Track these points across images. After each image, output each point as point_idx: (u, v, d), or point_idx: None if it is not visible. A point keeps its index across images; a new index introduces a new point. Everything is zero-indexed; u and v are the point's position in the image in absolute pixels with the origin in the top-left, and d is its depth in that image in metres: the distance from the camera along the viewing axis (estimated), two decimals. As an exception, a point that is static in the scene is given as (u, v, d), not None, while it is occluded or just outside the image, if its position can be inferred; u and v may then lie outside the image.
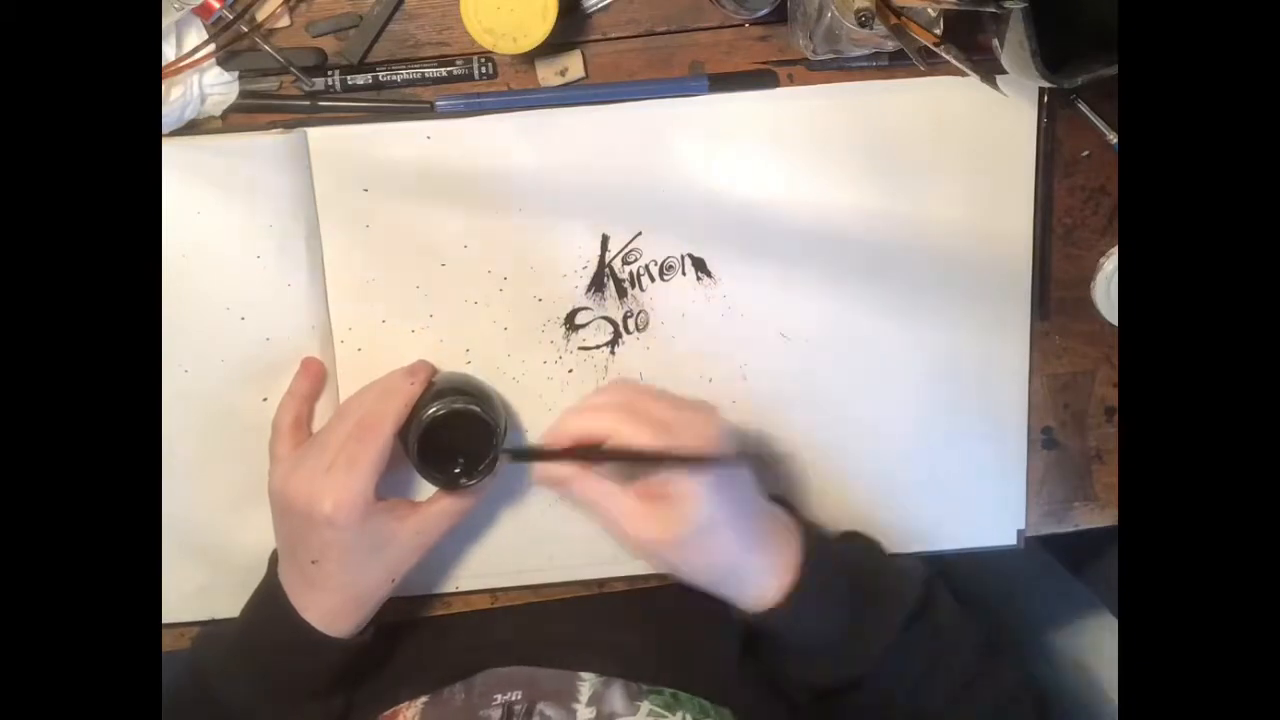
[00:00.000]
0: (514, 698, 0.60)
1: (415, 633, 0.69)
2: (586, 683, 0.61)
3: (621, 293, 0.67)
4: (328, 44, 0.63)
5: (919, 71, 0.61)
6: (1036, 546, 0.83)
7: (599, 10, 0.64)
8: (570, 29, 0.63)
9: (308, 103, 0.63)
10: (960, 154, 0.66)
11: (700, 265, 0.67)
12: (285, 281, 0.65)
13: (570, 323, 0.67)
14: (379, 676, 0.67)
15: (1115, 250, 0.68)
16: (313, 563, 0.60)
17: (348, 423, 0.62)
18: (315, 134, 0.63)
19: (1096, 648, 0.83)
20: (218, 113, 0.63)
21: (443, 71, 0.64)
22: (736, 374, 0.68)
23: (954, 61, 0.56)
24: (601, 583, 0.71)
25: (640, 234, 0.66)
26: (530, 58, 0.63)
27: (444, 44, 0.64)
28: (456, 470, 0.61)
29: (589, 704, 0.59)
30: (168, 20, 0.60)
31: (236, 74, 0.63)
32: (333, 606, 0.61)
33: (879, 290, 0.68)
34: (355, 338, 0.66)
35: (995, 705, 0.63)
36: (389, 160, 0.64)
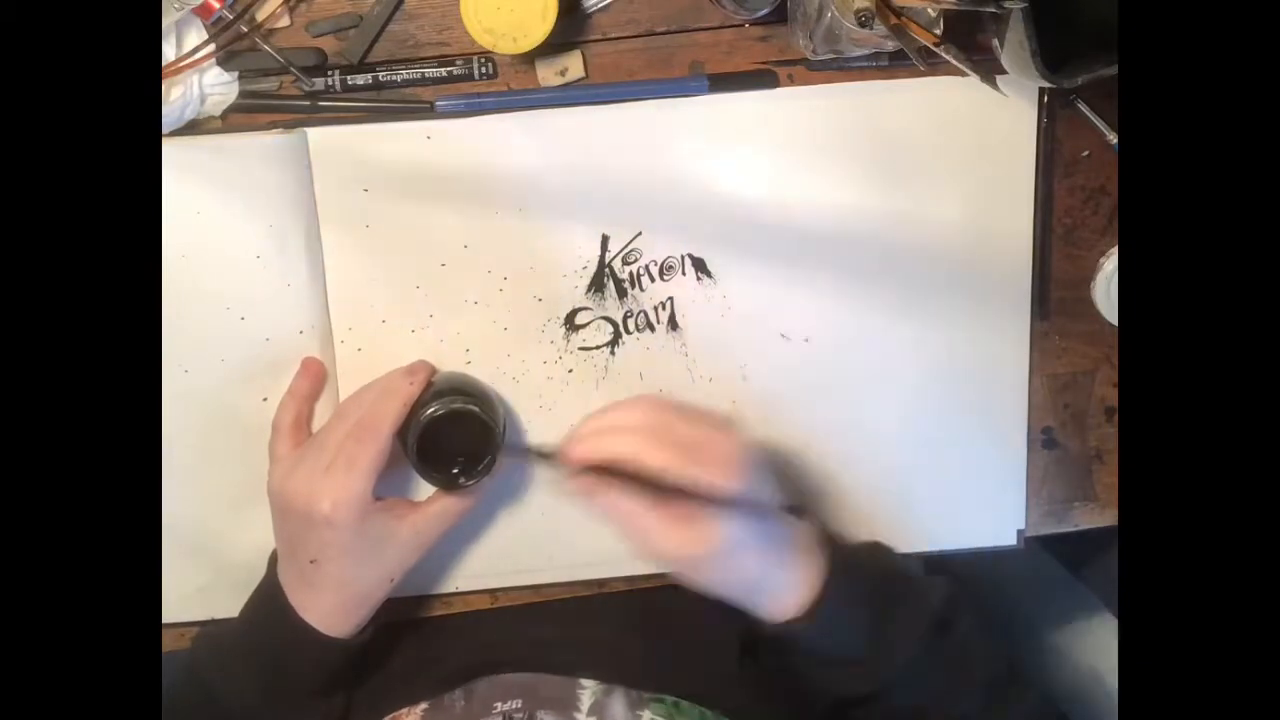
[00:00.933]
0: (514, 706, 0.60)
1: (415, 633, 0.69)
2: (587, 690, 0.61)
3: (621, 293, 0.67)
4: (328, 44, 0.63)
5: (919, 71, 0.61)
6: (1036, 546, 0.83)
7: (599, 10, 0.64)
8: (570, 29, 0.63)
9: (308, 103, 0.63)
10: (960, 154, 0.66)
11: (700, 265, 0.67)
12: (285, 281, 0.65)
13: (570, 323, 0.67)
14: (379, 677, 0.67)
15: (1115, 250, 0.68)
16: (311, 563, 0.60)
17: (347, 423, 0.62)
18: (315, 134, 0.63)
19: (1096, 648, 0.83)
20: (218, 113, 0.63)
21: (443, 71, 0.64)
22: (736, 374, 0.68)
23: (954, 61, 0.56)
24: (601, 583, 0.71)
25: (640, 234, 0.66)
26: (530, 58, 0.63)
27: (444, 44, 0.64)
28: (455, 470, 0.61)
29: (589, 713, 0.59)
30: (168, 20, 0.60)
31: (236, 74, 0.63)
32: (332, 606, 0.61)
33: (879, 290, 0.68)
34: (355, 338, 0.66)
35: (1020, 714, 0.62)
36: (389, 160, 0.64)
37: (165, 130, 0.62)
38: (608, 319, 0.67)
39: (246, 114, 0.64)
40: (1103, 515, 0.73)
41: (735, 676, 0.65)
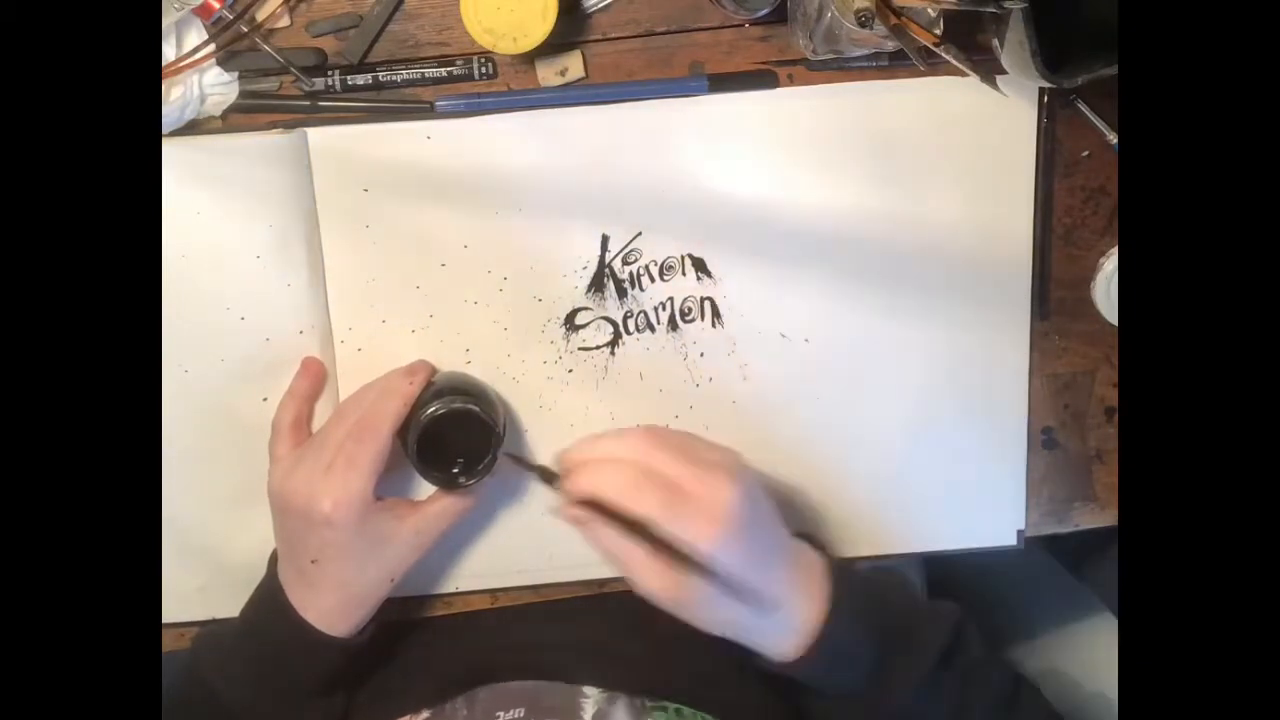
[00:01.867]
0: (516, 715, 0.60)
1: (416, 634, 0.69)
2: (590, 699, 0.61)
3: (621, 293, 0.67)
4: (328, 44, 0.63)
5: (919, 71, 0.61)
6: (1036, 546, 0.83)
7: (599, 10, 0.64)
8: (570, 29, 0.63)
9: (308, 103, 0.63)
10: (960, 154, 0.66)
11: (700, 265, 0.67)
12: (285, 281, 0.65)
13: (570, 323, 0.67)
14: (380, 679, 0.67)
15: (1115, 250, 0.68)
16: (312, 562, 0.60)
17: (346, 423, 0.62)
18: (315, 134, 0.63)
19: (1096, 648, 0.83)
20: (218, 113, 0.63)
21: (443, 71, 0.64)
22: (736, 374, 0.68)
23: (954, 61, 0.56)
24: (602, 583, 0.71)
25: (640, 234, 0.66)
26: (530, 58, 0.63)
27: (444, 44, 0.64)
28: (455, 470, 0.61)
29: None
30: (168, 20, 0.60)
31: (236, 74, 0.63)
32: (332, 606, 0.61)
33: (879, 290, 0.68)
34: (355, 338, 0.66)
35: None
36: (389, 160, 0.64)
37: (165, 130, 0.62)
38: (608, 319, 0.67)
39: (246, 114, 0.64)
40: (1103, 515, 0.73)
41: (736, 678, 0.65)
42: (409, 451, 0.61)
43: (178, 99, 0.61)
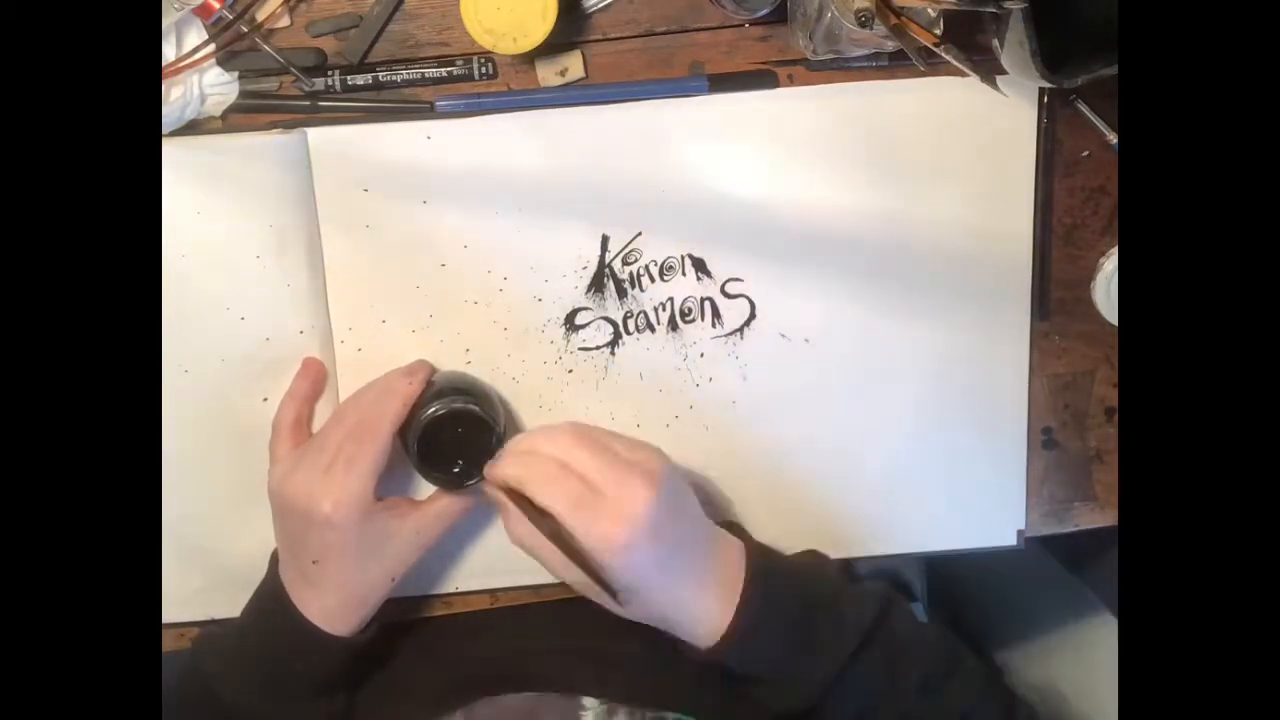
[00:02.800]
0: None
1: (416, 636, 0.69)
2: (589, 711, 0.61)
3: (621, 293, 0.67)
4: (328, 44, 0.63)
5: (919, 71, 0.61)
6: (1036, 546, 0.83)
7: (599, 10, 0.64)
8: (570, 29, 0.63)
9: (308, 103, 0.63)
10: (960, 154, 0.66)
11: (700, 265, 0.67)
12: (285, 281, 0.65)
13: (570, 323, 0.67)
14: (381, 679, 0.67)
15: (1115, 250, 0.68)
16: (313, 562, 0.60)
17: (346, 423, 0.62)
18: (315, 134, 0.63)
19: (1096, 648, 0.83)
20: (218, 113, 0.63)
21: (443, 71, 0.64)
22: (736, 374, 0.68)
23: (954, 61, 0.56)
24: (601, 583, 0.71)
25: (640, 234, 0.66)
26: (530, 58, 0.63)
27: (444, 44, 0.64)
28: (456, 470, 0.61)
29: None
30: (168, 20, 0.60)
31: (236, 74, 0.63)
32: (333, 605, 0.61)
33: (879, 290, 0.68)
34: (355, 338, 0.66)
35: (953, 713, 0.62)
36: (389, 160, 0.64)
37: (165, 130, 0.62)
38: (608, 319, 0.67)
39: (246, 114, 0.64)
40: (1103, 515, 0.73)
41: (730, 681, 0.65)
42: (409, 452, 0.61)
43: (178, 99, 0.61)
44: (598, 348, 0.68)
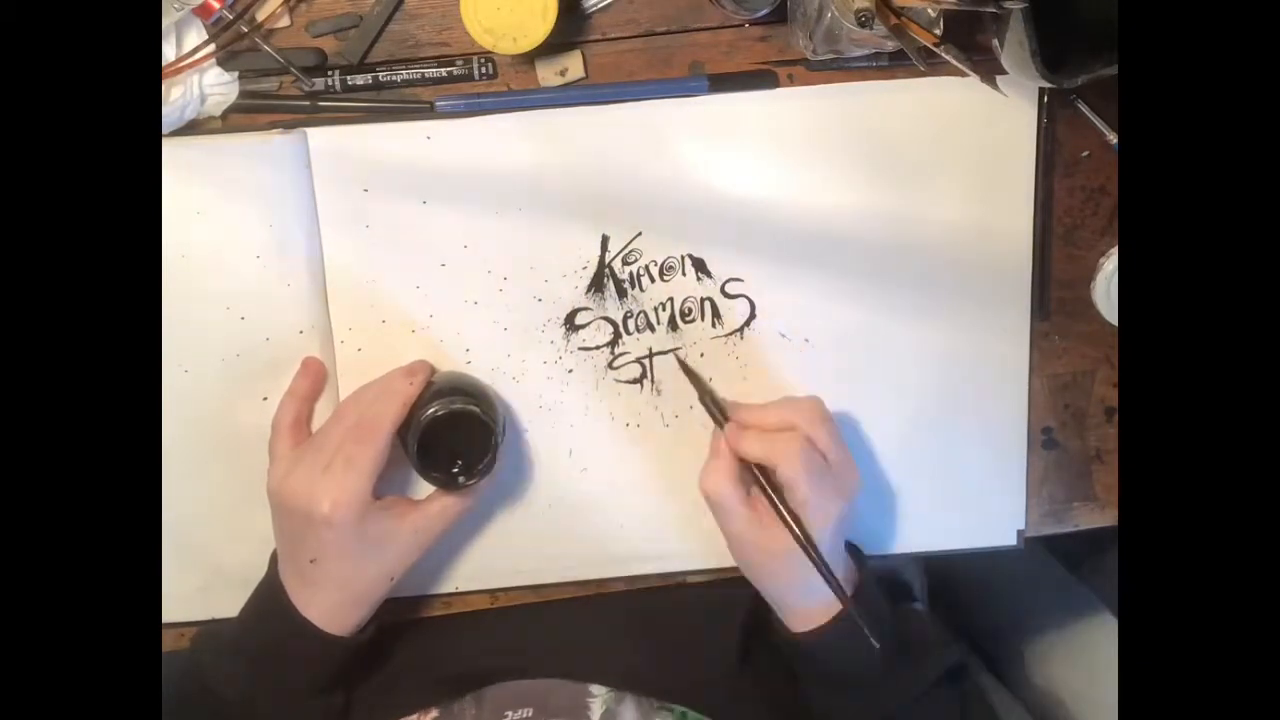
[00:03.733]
0: (525, 714, 0.60)
1: (416, 634, 0.69)
2: (598, 699, 0.62)
3: (621, 293, 0.67)
4: (328, 44, 0.63)
5: (919, 71, 0.61)
6: (1036, 546, 0.83)
7: (599, 10, 0.64)
8: (570, 29, 0.63)
9: (308, 103, 0.63)
10: (960, 154, 0.66)
11: (700, 265, 0.67)
12: (285, 281, 0.65)
13: (570, 323, 0.67)
14: (381, 678, 0.67)
15: (1115, 250, 0.68)
16: (311, 562, 0.60)
17: (346, 422, 0.62)
18: (315, 134, 0.63)
19: (1096, 648, 0.83)
20: (218, 113, 0.63)
21: (443, 71, 0.64)
22: (737, 374, 0.68)
23: (954, 62, 0.56)
24: (601, 583, 0.71)
25: (640, 234, 0.66)
26: (530, 58, 0.63)
27: (444, 44, 0.64)
28: (455, 470, 0.61)
29: None
30: (168, 20, 0.60)
31: (236, 74, 0.63)
32: (332, 605, 0.61)
33: (879, 290, 0.68)
34: (355, 338, 0.66)
35: None
36: (389, 160, 0.64)
37: (165, 130, 0.62)
38: (608, 319, 0.67)
39: (246, 114, 0.64)
40: (1103, 515, 0.73)
41: (734, 681, 0.65)
42: (409, 452, 0.61)
43: (178, 99, 0.61)
44: (597, 348, 0.68)
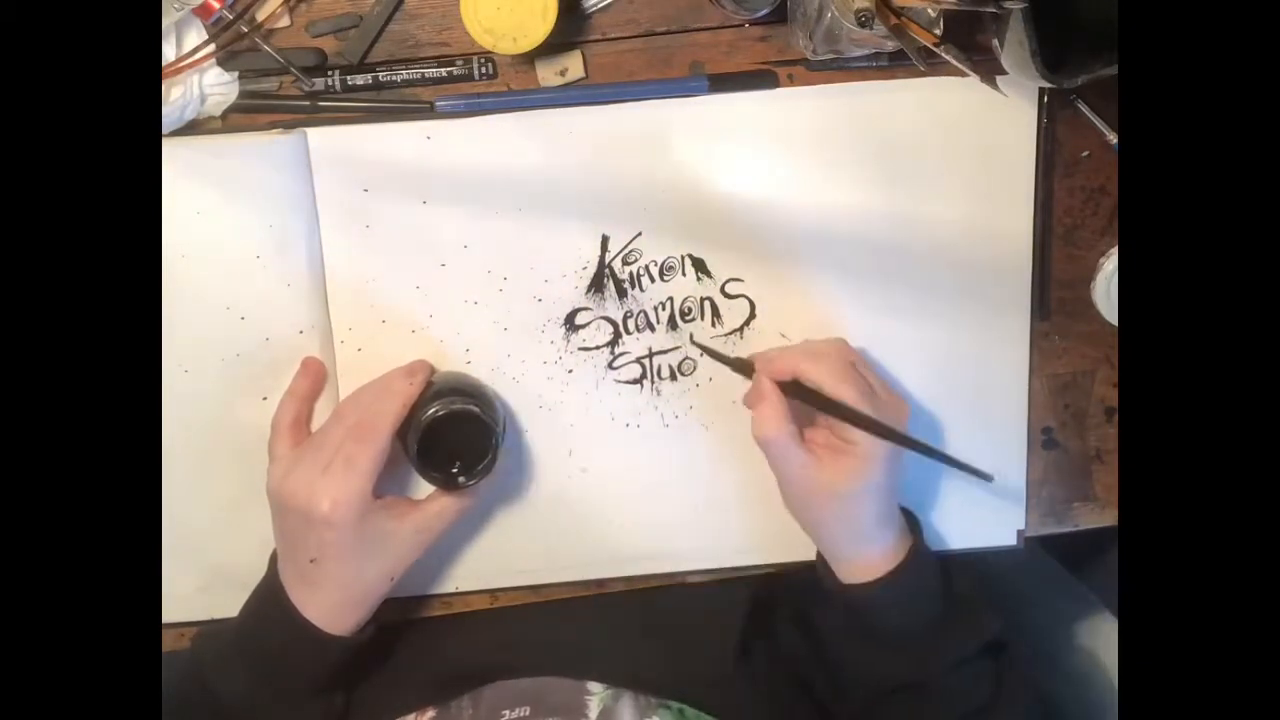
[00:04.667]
0: (522, 713, 0.60)
1: (415, 633, 0.69)
2: (595, 697, 0.62)
3: (621, 293, 0.67)
4: (328, 44, 0.63)
5: (919, 71, 0.61)
6: (1036, 546, 0.83)
7: (599, 10, 0.64)
8: (570, 29, 0.63)
9: (308, 103, 0.63)
10: (960, 154, 0.66)
11: (700, 265, 0.67)
12: (285, 281, 0.65)
13: (570, 323, 0.67)
14: (381, 677, 0.67)
15: (1115, 250, 0.68)
16: (311, 562, 0.60)
17: (346, 422, 0.62)
18: (315, 134, 0.63)
19: (1096, 648, 0.83)
20: (218, 113, 0.63)
21: (443, 71, 0.64)
22: (736, 374, 0.68)
23: (954, 62, 0.56)
24: (601, 583, 0.71)
25: (640, 234, 0.66)
26: (530, 58, 0.63)
27: (444, 44, 0.64)
28: (455, 470, 0.61)
29: (598, 719, 0.60)
30: (168, 20, 0.60)
31: (236, 74, 0.63)
32: (332, 605, 0.61)
33: (879, 290, 0.68)
34: (355, 338, 0.66)
35: None
36: (389, 160, 0.64)
37: (165, 130, 0.62)
38: (608, 319, 0.67)
39: (246, 114, 0.64)
40: (1103, 515, 0.73)
41: (732, 678, 0.65)
42: (409, 452, 0.61)
43: (178, 99, 0.61)
44: (597, 348, 0.68)
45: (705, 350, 0.67)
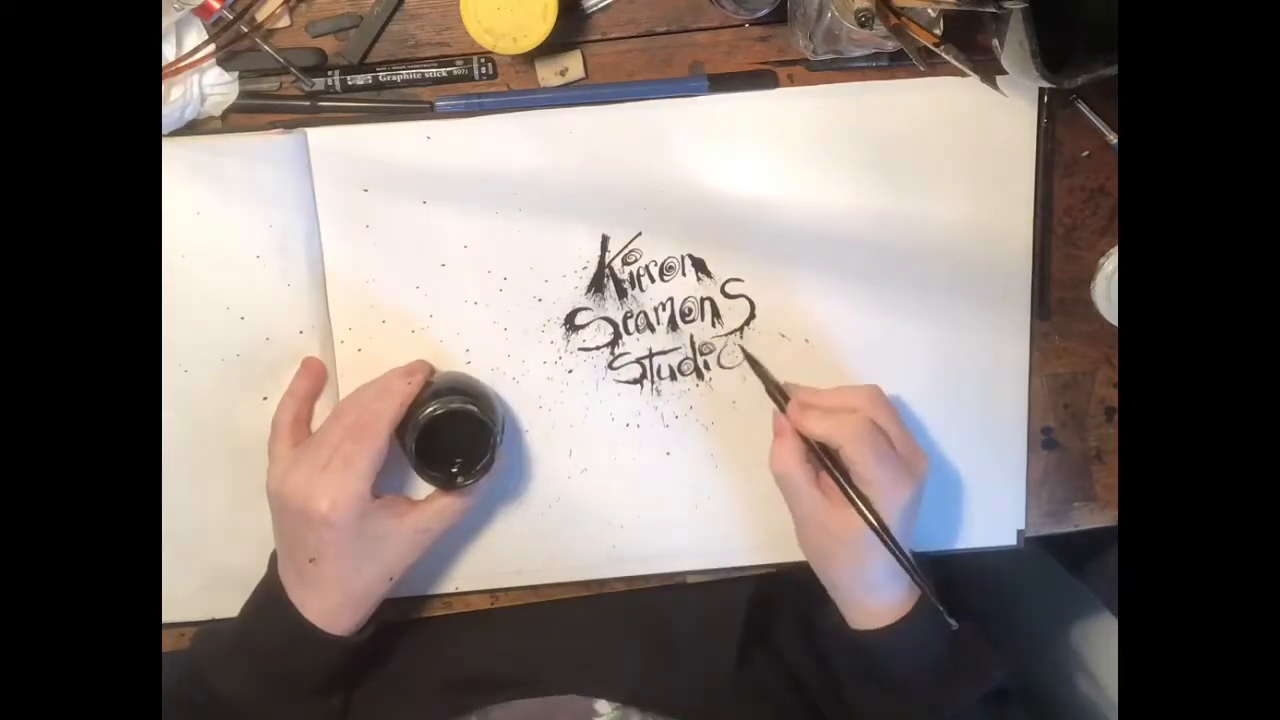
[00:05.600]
0: None
1: (415, 635, 0.69)
2: (604, 717, 0.62)
3: (621, 293, 0.67)
4: (328, 44, 0.63)
5: (919, 72, 0.61)
6: (1036, 546, 0.82)
7: (599, 10, 0.64)
8: (570, 29, 0.63)
9: (308, 103, 0.63)
10: (960, 154, 0.66)
11: (700, 265, 0.67)
12: (285, 281, 0.65)
13: (570, 323, 0.67)
14: (380, 678, 0.67)
15: (1115, 250, 0.68)
16: (310, 561, 0.60)
17: (344, 422, 0.62)
18: (315, 134, 0.63)
19: (1096, 648, 0.83)
20: (218, 113, 0.63)
21: (443, 71, 0.64)
22: (737, 374, 0.68)
23: (954, 62, 0.56)
24: (601, 583, 0.71)
25: (640, 234, 0.66)
26: (530, 58, 0.63)
27: (444, 44, 0.64)
28: (454, 469, 0.61)
29: None
30: (168, 20, 0.60)
31: (236, 74, 0.63)
32: (331, 605, 0.61)
33: (879, 290, 0.68)
34: (355, 338, 0.66)
35: None
36: (389, 160, 0.64)
37: (165, 130, 0.62)
38: (608, 319, 0.67)
39: (246, 114, 0.64)
40: (1103, 515, 0.73)
41: (735, 684, 0.65)
42: (407, 451, 0.61)
43: (178, 99, 0.61)
44: (597, 348, 0.68)
45: (752, 363, 0.67)
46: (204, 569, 0.69)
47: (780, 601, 0.71)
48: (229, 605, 0.66)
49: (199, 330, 0.65)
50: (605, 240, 0.66)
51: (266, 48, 0.62)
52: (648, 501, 0.69)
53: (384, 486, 0.62)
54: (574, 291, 0.67)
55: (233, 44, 0.62)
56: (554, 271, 0.66)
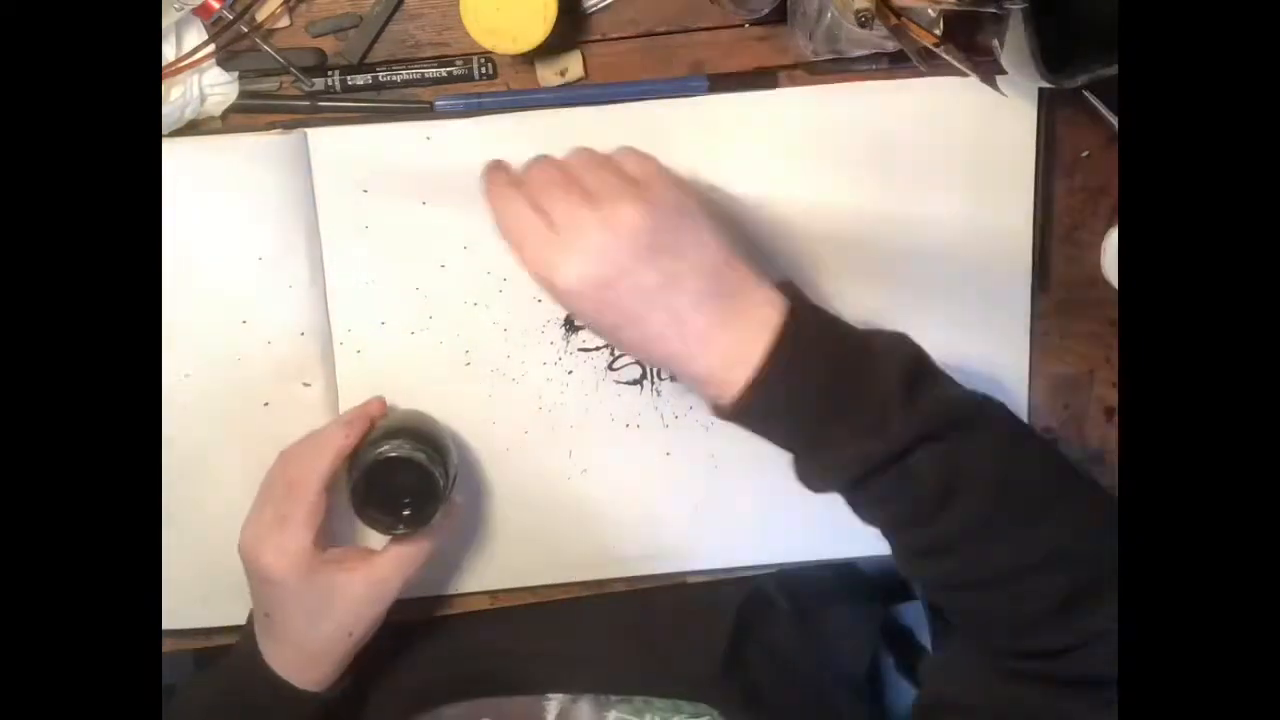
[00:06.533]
0: None
1: (417, 635, 0.69)
2: (553, 702, 0.62)
3: (621, 293, 0.67)
4: (328, 44, 0.63)
5: (919, 72, 0.61)
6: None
7: (599, 10, 0.64)
8: (570, 29, 0.63)
9: (308, 103, 0.63)
10: (960, 154, 0.66)
11: (700, 265, 0.67)
12: (285, 283, 0.65)
13: (570, 324, 0.67)
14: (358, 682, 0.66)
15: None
16: (266, 615, 0.60)
17: (283, 477, 0.60)
18: (315, 134, 0.63)
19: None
20: (218, 113, 0.63)
21: (443, 71, 0.64)
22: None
23: (954, 62, 0.57)
24: (601, 583, 0.71)
25: (640, 234, 0.66)
26: (530, 58, 0.63)
27: (444, 44, 0.64)
28: (404, 510, 0.59)
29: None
30: (168, 20, 0.60)
31: (236, 74, 0.63)
32: (293, 660, 0.60)
33: (879, 290, 0.68)
34: (355, 339, 0.66)
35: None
36: (389, 160, 0.64)
37: (165, 130, 0.62)
38: (608, 319, 0.67)
39: (246, 114, 0.64)
40: (1103, 515, 0.73)
41: (720, 673, 0.65)
42: (351, 495, 0.59)
43: (178, 99, 0.61)
44: (597, 349, 0.68)
45: None
46: (204, 574, 0.68)
47: (779, 601, 0.71)
48: (230, 612, 0.66)
49: (200, 333, 0.65)
50: (605, 240, 0.66)
51: (266, 48, 0.62)
52: (648, 501, 0.69)
53: (343, 536, 0.61)
54: (574, 292, 0.67)
55: (233, 44, 0.62)
56: (554, 272, 0.66)
